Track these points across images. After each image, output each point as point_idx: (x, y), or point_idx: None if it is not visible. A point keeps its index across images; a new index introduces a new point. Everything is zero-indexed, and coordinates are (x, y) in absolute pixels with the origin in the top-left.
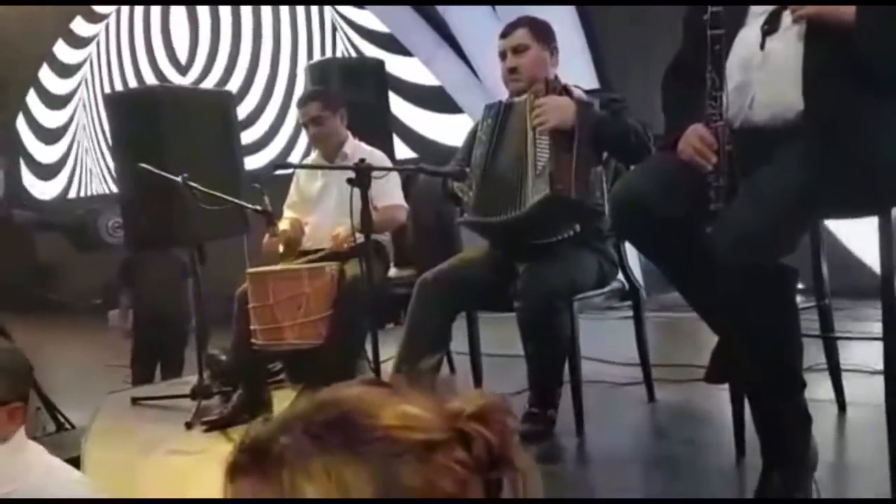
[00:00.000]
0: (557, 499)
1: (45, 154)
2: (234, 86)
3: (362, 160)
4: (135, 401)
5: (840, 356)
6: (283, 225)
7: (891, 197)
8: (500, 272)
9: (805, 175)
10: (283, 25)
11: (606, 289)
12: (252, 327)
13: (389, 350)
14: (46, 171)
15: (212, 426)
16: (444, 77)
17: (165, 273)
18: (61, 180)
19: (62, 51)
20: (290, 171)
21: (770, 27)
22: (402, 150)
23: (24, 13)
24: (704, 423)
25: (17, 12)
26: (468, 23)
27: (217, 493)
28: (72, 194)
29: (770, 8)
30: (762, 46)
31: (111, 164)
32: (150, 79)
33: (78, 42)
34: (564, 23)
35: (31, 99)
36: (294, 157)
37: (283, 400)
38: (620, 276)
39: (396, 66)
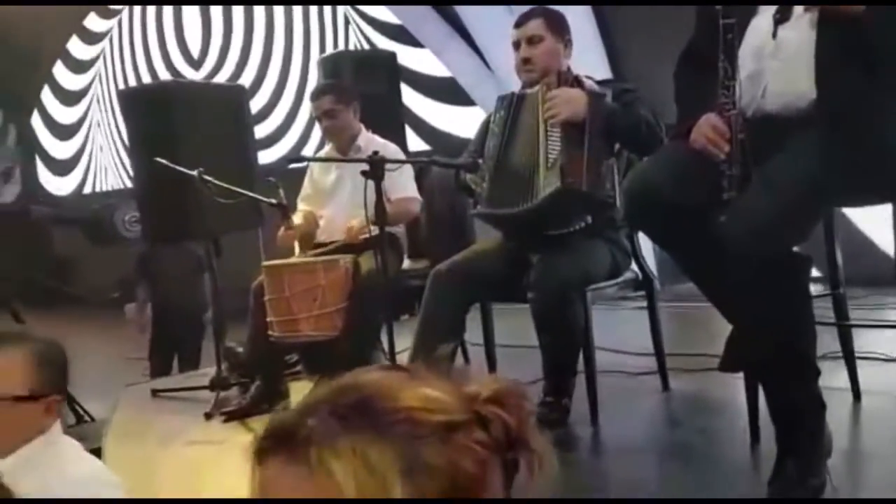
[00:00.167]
0: (556, 499)
1: (61, 150)
2: (246, 80)
3: (376, 153)
4: (154, 392)
5: (855, 344)
6: (298, 218)
7: None
8: (513, 263)
9: (818, 164)
10: (295, 19)
11: (620, 279)
12: (268, 319)
13: (404, 341)
14: (62, 167)
15: (231, 417)
16: (455, 68)
17: (181, 267)
18: (76, 176)
19: (76, 47)
20: (303, 164)
21: (782, 16)
22: (415, 142)
23: (38, 10)
24: (718, 411)
25: (31, 9)
26: (481, 14)
27: (237, 482)
28: (87, 190)
29: None
30: (774, 35)
31: (126, 160)
32: (164, 74)
33: (91, 38)
34: (577, 12)
35: (46, 95)
36: (307, 151)
37: (299, 391)
38: (634, 266)
39: (408, 57)
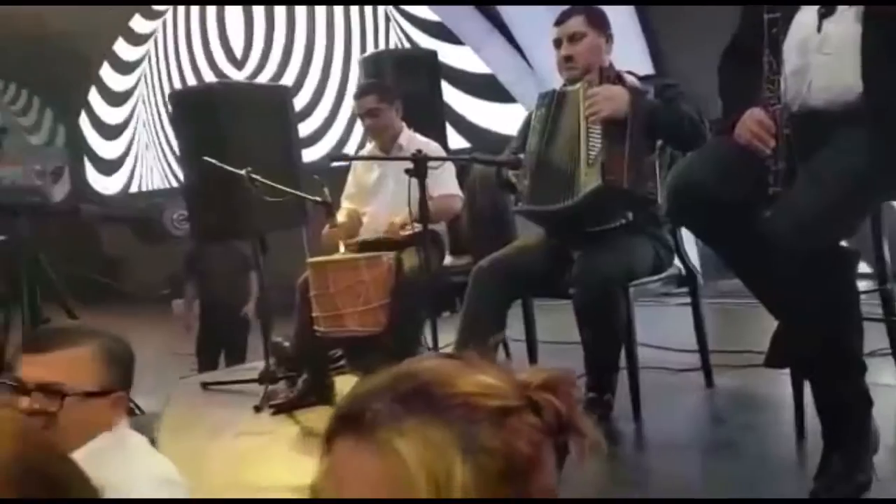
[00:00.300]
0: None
1: (108, 150)
2: (288, 79)
3: (419, 151)
4: (205, 386)
5: None
6: (342, 215)
7: None
8: (554, 259)
9: (864, 158)
10: (336, 18)
11: (663, 275)
12: (314, 315)
13: (446, 337)
14: (109, 167)
15: (279, 409)
16: (495, 65)
17: (228, 264)
18: (123, 175)
19: (122, 48)
20: (346, 163)
21: (827, 10)
22: (455, 140)
23: (85, 13)
24: (763, 407)
25: (77, 12)
26: (520, 10)
27: (285, 472)
28: (133, 189)
29: None
30: (819, 29)
31: (171, 159)
32: (207, 74)
33: (137, 39)
34: (619, 9)
35: (93, 96)
36: (347, 149)
37: (345, 385)
38: (677, 262)
39: (449, 54)
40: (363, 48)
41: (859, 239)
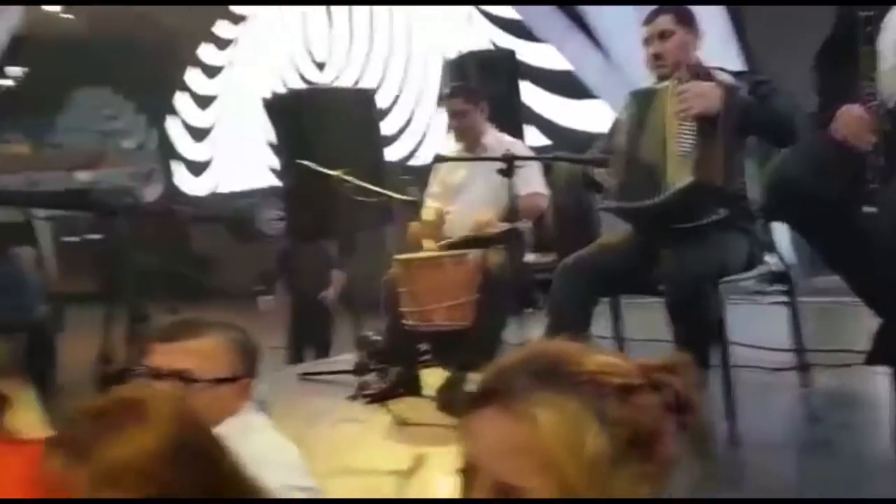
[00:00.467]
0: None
1: (195, 152)
2: (370, 82)
3: (507, 151)
4: (301, 376)
5: None
6: (427, 214)
7: None
8: (642, 256)
9: None
10: (417, 19)
11: (756, 272)
12: (402, 310)
13: (529, 334)
14: (197, 169)
15: (373, 399)
16: (576, 62)
17: (316, 262)
18: (210, 177)
19: (207, 53)
20: (426, 163)
21: None
22: (534, 137)
23: (170, 19)
24: (861, 407)
25: (164, 19)
26: (602, 7)
27: (381, 457)
28: (220, 190)
29: None
30: None
31: (258, 161)
32: (289, 77)
33: (221, 44)
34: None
35: (182, 100)
36: (424, 150)
37: (431, 378)
38: (771, 258)
39: (529, 52)
40: (444, 50)
41: None
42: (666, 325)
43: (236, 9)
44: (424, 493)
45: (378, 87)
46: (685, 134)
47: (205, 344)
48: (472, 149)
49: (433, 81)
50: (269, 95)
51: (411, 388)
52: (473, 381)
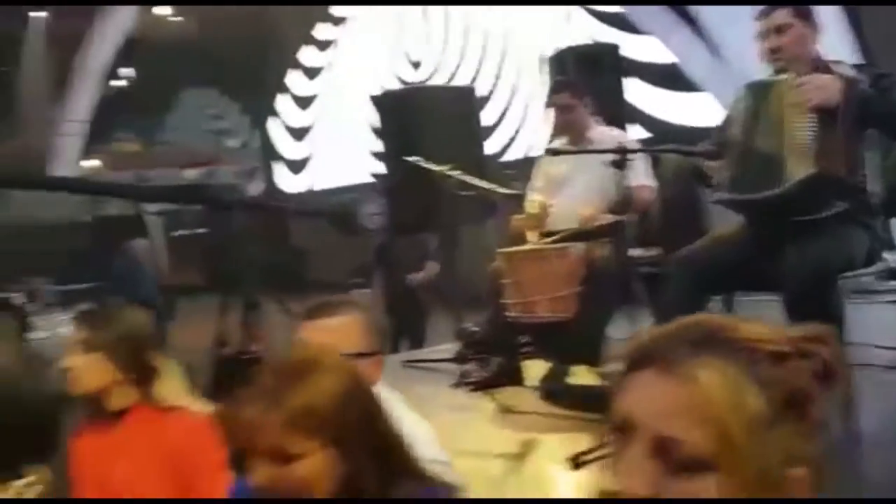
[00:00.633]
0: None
1: (294, 151)
2: (464, 78)
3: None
4: (405, 363)
5: None
6: (531, 207)
7: None
8: (758, 250)
9: None
10: (513, 16)
11: (875, 268)
12: (505, 301)
13: (634, 329)
14: (295, 167)
15: (476, 387)
16: (682, 56)
17: (413, 255)
18: (308, 174)
19: (307, 55)
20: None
21: None
22: (634, 131)
23: (272, 23)
24: None
25: (267, 21)
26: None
27: (488, 440)
28: (317, 187)
29: None
30: None
31: (354, 158)
32: (385, 76)
33: (320, 46)
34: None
35: (283, 101)
36: (519, 144)
37: (533, 369)
38: (891, 255)
39: (630, 45)
40: (541, 45)
41: None
42: (783, 323)
43: (336, 10)
44: (536, 478)
45: (472, 83)
46: (805, 126)
47: (343, 321)
48: (577, 143)
49: (528, 77)
50: (377, 93)
51: (513, 378)
52: (576, 373)
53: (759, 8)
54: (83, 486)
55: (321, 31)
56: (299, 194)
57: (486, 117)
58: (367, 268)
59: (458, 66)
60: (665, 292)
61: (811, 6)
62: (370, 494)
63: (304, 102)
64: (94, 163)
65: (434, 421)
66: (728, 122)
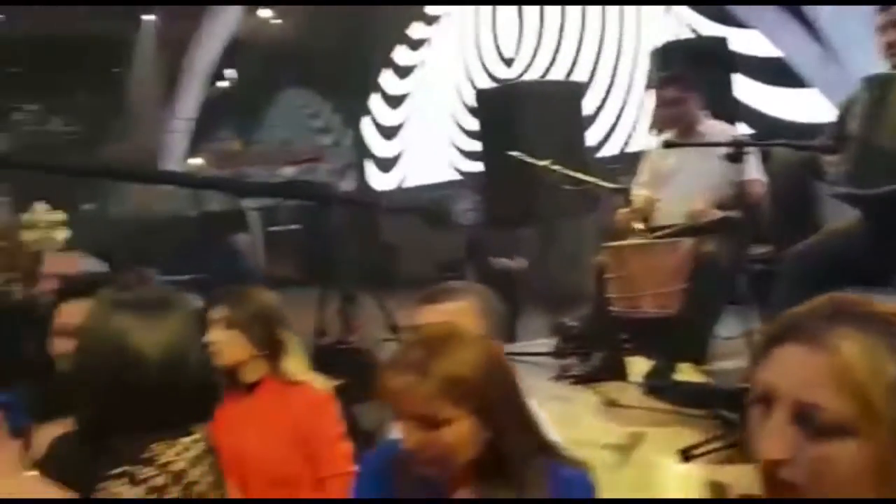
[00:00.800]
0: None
1: (385, 149)
2: (557, 75)
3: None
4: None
5: None
6: (637, 201)
7: None
8: (874, 245)
9: None
10: (610, 10)
11: None
12: (609, 296)
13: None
14: (385, 165)
15: (578, 381)
16: (789, 50)
17: (505, 251)
18: (398, 172)
19: (400, 54)
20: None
21: None
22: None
23: (367, 24)
24: None
25: (359, 24)
26: None
27: (594, 432)
28: (406, 184)
29: None
30: None
31: (443, 155)
32: (477, 74)
33: (414, 45)
34: None
35: (375, 101)
36: (617, 138)
37: (636, 366)
38: None
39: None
40: (640, 39)
41: None
42: None
43: (430, 9)
44: (644, 470)
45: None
46: None
47: (459, 306)
48: (686, 136)
49: (625, 71)
50: (480, 88)
51: (616, 373)
52: (682, 369)
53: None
54: (221, 453)
55: (416, 30)
56: (389, 191)
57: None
58: (458, 263)
59: (551, 63)
60: (776, 289)
61: None
62: (510, 462)
63: (394, 101)
64: (197, 161)
65: (541, 412)
66: (845, 116)
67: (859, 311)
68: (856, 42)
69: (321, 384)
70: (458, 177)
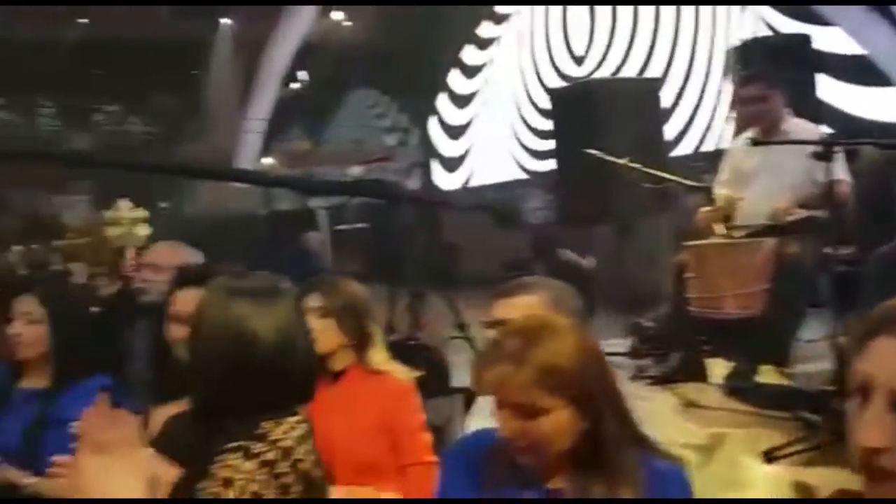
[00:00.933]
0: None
1: (451, 149)
2: (629, 72)
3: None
4: None
5: None
6: (720, 200)
7: None
8: None
9: None
10: (684, 8)
11: None
12: (689, 295)
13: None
14: (451, 164)
15: (656, 382)
16: (872, 47)
17: (576, 249)
18: (463, 171)
19: (469, 54)
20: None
21: None
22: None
23: (434, 24)
24: None
25: (432, 21)
26: None
27: (674, 431)
28: (471, 184)
29: None
30: None
31: (508, 154)
32: (546, 72)
33: (483, 44)
34: None
35: (441, 101)
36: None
37: (716, 367)
38: None
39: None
40: (715, 36)
41: None
42: None
43: (500, 8)
44: (727, 471)
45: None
46: None
47: (527, 299)
48: (769, 135)
49: (700, 69)
50: (557, 87)
51: (696, 374)
52: (763, 371)
53: None
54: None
55: (485, 29)
56: (454, 191)
57: None
58: (525, 262)
59: (623, 60)
60: (862, 291)
61: None
62: (605, 452)
63: (461, 101)
64: (269, 161)
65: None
66: None
67: None
68: None
69: (403, 375)
70: (524, 176)
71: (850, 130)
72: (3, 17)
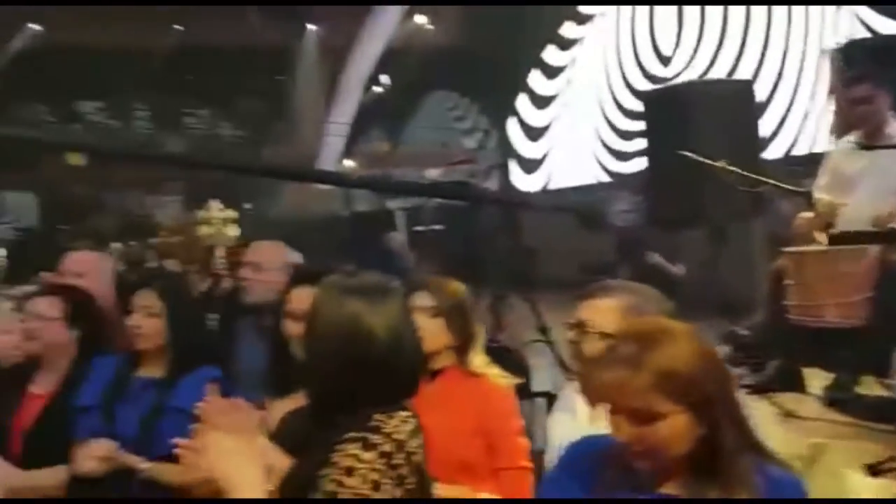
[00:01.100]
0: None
1: (530, 150)
2: (718, 73)
3: None
4: None
5: None
6: (820, 206)
7: None
8: None
9: None
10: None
11: None
12: (787, 303)
13: None
14: (530, 166)
15: (752, 391)
16: None
17: (666, 253)
18: (542, 173)
19: (550, 54)
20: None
21: None
22: None
23: (519, 23)
24: None
25: (513, 23)
26: None
27: (771, 442)
28: (551, 185)
29: None
30: None
31: (589, 156)
32: (632, 72)
33: (565, 44)
34: None
35: (521, 102)
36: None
37: (815, 379)
38: None
39: None
40: (808, 36)
41: None
42: None
43: (584, 9)
44: (829, 482)
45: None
46: None
47: (606, 302)
48: (874, 138)
49: (792, 71)
50: (649, 90)
51: (793, 384)
52: (864, 382)
53: None
54: None
55: (567, 29)
56: (534, 193)
57: None
58: (608, 265)
59: (712, 61)
60: None
61: None
62: (722, 458)
63: (542, 102)
64: (350, 163)
65: None
66: None
67: None
68: None
69: (502, 379)
70: (605, 178)
71: None
72: (101, 25)
